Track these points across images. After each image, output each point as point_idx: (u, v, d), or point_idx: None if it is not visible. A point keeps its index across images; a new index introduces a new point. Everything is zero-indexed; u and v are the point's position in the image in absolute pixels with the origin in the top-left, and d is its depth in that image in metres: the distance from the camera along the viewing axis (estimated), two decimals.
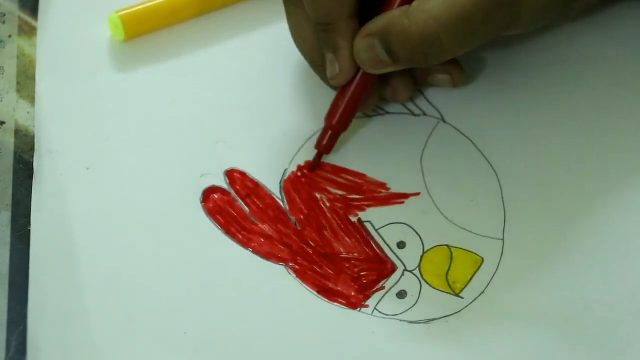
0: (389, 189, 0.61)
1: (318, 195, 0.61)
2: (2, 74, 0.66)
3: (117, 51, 0.68)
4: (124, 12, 0.67)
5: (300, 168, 0.62)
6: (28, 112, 0.64)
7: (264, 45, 0.68)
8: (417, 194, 0.61)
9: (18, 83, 0.66)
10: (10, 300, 0.57)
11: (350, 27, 0.58)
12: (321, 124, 0.62)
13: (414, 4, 0.55)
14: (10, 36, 0.67)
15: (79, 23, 0.68)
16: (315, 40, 0.60)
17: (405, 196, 0.61)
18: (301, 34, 0.61)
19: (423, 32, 0.54)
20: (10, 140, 0.63)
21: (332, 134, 0.61)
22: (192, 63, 0.67)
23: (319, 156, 0.62)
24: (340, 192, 0.61)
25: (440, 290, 0.58)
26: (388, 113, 0.64)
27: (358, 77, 0.59)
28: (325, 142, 0.61)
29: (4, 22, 0.68)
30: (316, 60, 0.61)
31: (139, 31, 0.68)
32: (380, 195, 0.61)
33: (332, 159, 0.63)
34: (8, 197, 0.61)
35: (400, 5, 0.57)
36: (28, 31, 0.68)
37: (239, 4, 0.69)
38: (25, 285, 0.57)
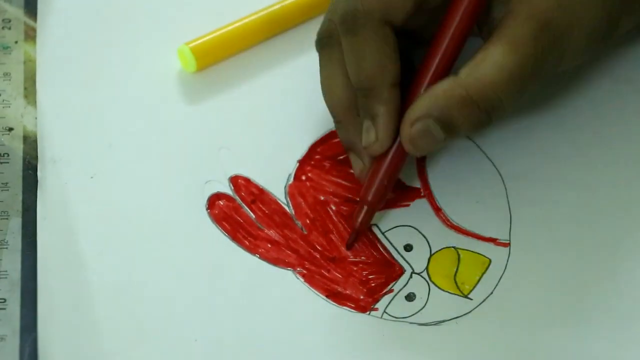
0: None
1: (323, 198, 0.61)
2: (10, 80, 0.66)
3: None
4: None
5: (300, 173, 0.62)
6: (36, 118, 0.64)
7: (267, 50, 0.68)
8: (423, 197, 0.61)
9: (25, 89, 0.65)
10: (22, 307, 0.57)
11: (391, 95, 0.56)
12: (325, 127, 0.63)
13: (461, 73, 0.54)
14: (16, 42, 0.67)
15: (78, 27, 0.68)
16: (345, 99, 0.59)
17: (411, 199, 0.61)
18: (332, 89, 0.59)
19: (484, 99, 0.53)
20: (19, 146, 0.63)
21: (367, 209, 0.59)
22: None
23: (356, 233, 0.60)
24: (346, 195, 0.61)
25: (448, 292, 0.58)
26: None
27: (394, 149, 0.57)
28: (361, 218, 0.59)
29: (9, 28, 0.68)
30: (341, 119, 0.59)
31: None
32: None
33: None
34: (18, 203, 0.61)
35: (433, 80, 0.56)
36: (34, 37, 0.68)
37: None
38: (37, 292, 0.57)
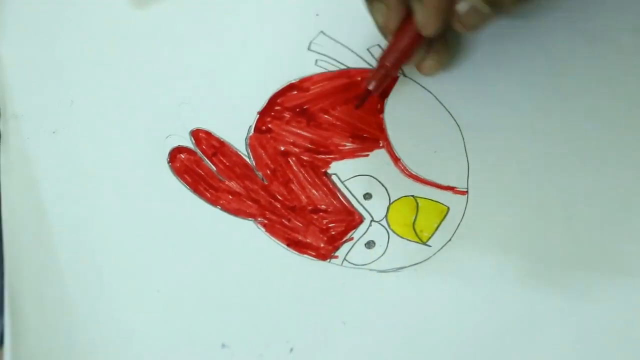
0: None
1: (283, 149, 0.62)
2: None
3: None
4: None
5: (260, 124, 0.63)
6: None
7: (225, 2, 0.69)
8: (381, 147, 0.62)
9: None
10: None
11: None
12: (284, 78, 0.63)
13: None
14: None
15: None
16: None
17: (370, 149, 0.62)
18: None
19: None
20: None
21: (384, 74, 0.60)
22: (152, 23, 0.68)
23: (367, 93, 0.61)
24: (306, 145, 0.62)
25: (407, 239, 0.59)
26: (349, 67, 0.65)
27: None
28: (377, 80, 0.60)
29: None
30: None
31: None
32: (345, 148, 0.62)
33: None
34: None
35: None
36: None
37: None
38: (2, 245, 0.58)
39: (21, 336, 0.56)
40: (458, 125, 0.62)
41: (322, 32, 0.66)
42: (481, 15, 0.56)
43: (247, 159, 0.61)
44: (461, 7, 0.56)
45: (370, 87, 0.60)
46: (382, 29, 0.60)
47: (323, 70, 0.64)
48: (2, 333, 0.56)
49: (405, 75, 0.64)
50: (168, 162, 0.61)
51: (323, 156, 0.61)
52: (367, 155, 0.62)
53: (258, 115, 0.63)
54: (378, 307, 0.57)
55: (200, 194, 0.60)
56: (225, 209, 0.60)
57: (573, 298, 0.56)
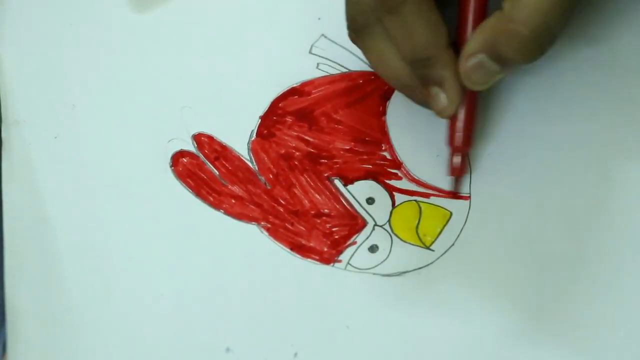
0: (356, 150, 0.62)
1: (286, 153, 0.62)
2: None
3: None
4: None
5: (262, 129, 0.63)
6: None
7: (226, 6, 0.69)
8: (384, 151, 0.62)
9: None
10: None
11: (451, 56, 0.56)
12: (286, 82, 0.64)
13: (505, 6, 0.54)
14: None
15: None
16: (405, 66, 0.58)
17: (372, 153, 0.62)
18: (388, 64, 0.59)
19: (532, 27, 0.53)
20: None
21: (462, 155, 0.60)
22: (153, 27, 0.68)
23: (457, 181, 0.61)
24: (308, 150, 0.62)
25: (410, 244, 0.59)
26: (351, 70, 0.65)
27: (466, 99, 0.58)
28: (458, 164, 0.60)
29: None
30: (410, 85, 0.59)
31: None
32: (347, 152, 0.62)
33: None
34: None
35: (476, 21, 0.56)
36: None
37: None
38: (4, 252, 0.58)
39: (23, 344, 0.56)
40: None
41: (323, 35, 0.66)
42: (489, 72, 0.55)
43: (250, 164, 0.61)
44: (469, 63, 0.55)
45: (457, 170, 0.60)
46: (441, 115, 0.59)
47: (325, 74, 0.64)
48: (5, 343, 0.56)
49: None
50: (170, 166, 0.61)
51: (325, 160, 0.61)
52: (369, 160, 0.62)
53: (260, 120, 0.63)
54: (381, 311, 0.56)
55: (203, 198, 0.60)
56: (228, 212, 0.60)
57: (577, 303, 0.56)
